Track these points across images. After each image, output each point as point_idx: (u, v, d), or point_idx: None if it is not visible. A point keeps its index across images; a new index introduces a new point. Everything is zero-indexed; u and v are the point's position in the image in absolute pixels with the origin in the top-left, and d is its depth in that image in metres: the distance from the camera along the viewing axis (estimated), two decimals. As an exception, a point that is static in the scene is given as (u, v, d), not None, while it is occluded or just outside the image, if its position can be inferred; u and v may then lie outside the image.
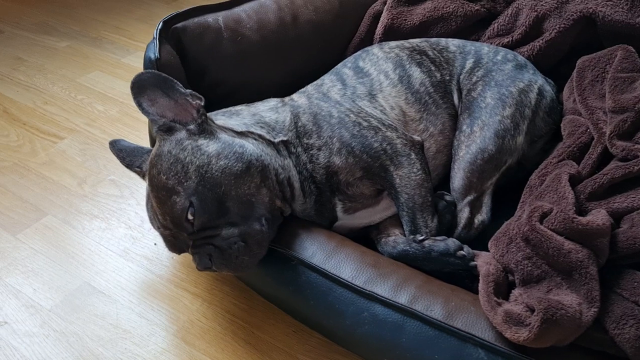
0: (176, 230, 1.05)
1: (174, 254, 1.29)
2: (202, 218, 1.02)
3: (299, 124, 1.18)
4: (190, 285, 1.27)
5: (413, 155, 1.18)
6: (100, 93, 1.90)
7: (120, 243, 1.37)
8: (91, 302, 1.23)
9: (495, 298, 0.99)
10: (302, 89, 1.34)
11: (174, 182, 1.02)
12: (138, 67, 2.03)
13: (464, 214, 1.21)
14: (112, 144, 1.26)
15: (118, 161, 1.35)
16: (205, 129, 1.08)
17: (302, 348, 1.15)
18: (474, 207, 1.21)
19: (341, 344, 1.15)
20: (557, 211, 0.99)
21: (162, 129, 1.08)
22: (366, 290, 1.04)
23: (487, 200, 1.23)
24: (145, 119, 1.35)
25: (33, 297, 1.23)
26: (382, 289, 1.04)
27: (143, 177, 1.22)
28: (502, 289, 1.03)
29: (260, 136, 1.15)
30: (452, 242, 1.10)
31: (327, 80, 1.34)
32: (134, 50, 2.09)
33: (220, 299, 1.25)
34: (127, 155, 1.24)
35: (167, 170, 1.03)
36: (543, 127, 1.29)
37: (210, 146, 1.06)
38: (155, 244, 1.37)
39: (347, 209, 1.20)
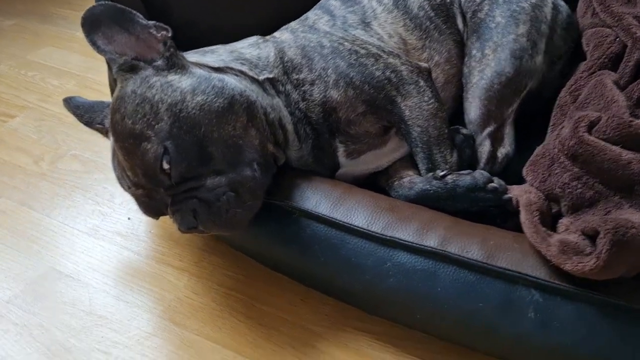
0: (150, 186, 0.86)
1: (151, 221, 1.11)
2: (180, 166, 0.84)
3: (285, 59, 1.01)
4: (174, 260, 1.09)
5: (422, 83, 1.01)
6: (54, 68, 1.70)
7: (88, 221, 1.18)
8: (58, 289, 1.03)
9: (544, 229, 0.83)
10: (284, 26, 1.16)
11: (142, 126, 0.84)
12: (95, 39, 1.83)
13: (484, 148, 1.05)
14: (67, 101, 1.07)
15: (79, 135, 1.16)
16: (176, 63, 0.90)
17: (314, 317, 0.98)
18: (496, 140, 1.06)
19: (361, 306, 0.97)
20: (607, 117, 0.83)
21: (124, 69, 0.90)
22: (386, 236, 0.88)
23: (508, 130, 1.08)
24: (107, 91, 1.17)
25: (-15, 289, 1.04)
26: (405, 234, 0.87)
27: (106, 134, 1.03)
28: (547, 220, 0.87)
29: (241, 72, 0.97)
30: (479, 175, 0.94)
31: (312, 14, 1.16)
32: (88, 24, 1.88)
33: (211, 272, 1.06)
34: (85, 111, 1.05)
35: (133, 113, 0.85)
36: (562, 46, 1.13)
37: (183, 81, 0.88)
38: (129, 219, 1.18)
39: (350, 153, 1.03)
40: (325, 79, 0.99)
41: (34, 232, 1.15)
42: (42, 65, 1.72)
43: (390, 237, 0.87)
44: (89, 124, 1.04)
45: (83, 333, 0.95)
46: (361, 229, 0.89)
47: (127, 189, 0.91)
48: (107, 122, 1.02)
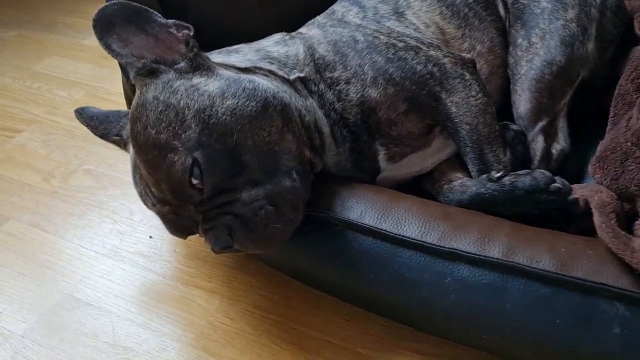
0: (178, 202, 0.77)
1: (175, 239, 1.02)
2: (212, 179, 0.75)
3: (316, 56, 0.92)
4: (202, 281, 0.99)
5: (467, 76, 0.92)
6: (61, 78, 1.61)
7: (106, 241, 1.08)
8: (77, 319, 0.94)
9: (623, 232, 0.74)
10: (310, 21, 1.07)
11: (167, 135, 0.75)
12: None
13: (538, 144, 0.95)
14: (79, 112, 0.98)
15: (91, 148, 1.08)
16: (200, 65, 0.81)
17: (362, 339, 0.88)
18: (549, 135, 0.97)
19: (416, 325, 0.88)
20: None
21: (142, 73, 0.81)
22: (444, 247, 0.78)
23: (562, 124, 0.99)
24: (121, 100, 1.08)
25: (-1, 322, 0.94)
26: (465, 244, 0.78)
27: (124, 146, 0.94)
28: (622, 222, 0.77)
29: (271, 72, 0.88)
30: (540, 175, 0.84)
31: (339, 7, 1.07)
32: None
33: (244, 293, 0.97)
34: (100, 122, 0.96)
35: (157, 122, 0.76)
36: (612, 30, 1.04)
37: (210, 84, 0.80)
38: (150, 237, 1.08)
39: (392, 156, 0.94)
40: (362, 76, 0.90)
41: (47, 256, 1.06)
42: (48, 76, 1.63)
43: (449, 248, 0.77)
44: (104, 136, 0.95)
45: (108, 368, 0.86)
46: (415, 241, 0.79)
47: (152, 206, 0.82)
48: (125, 133, 0.94)
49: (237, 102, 0.78)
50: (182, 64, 0.81)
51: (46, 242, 1.09)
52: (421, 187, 0.99)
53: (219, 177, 0.75)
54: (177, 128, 0.75)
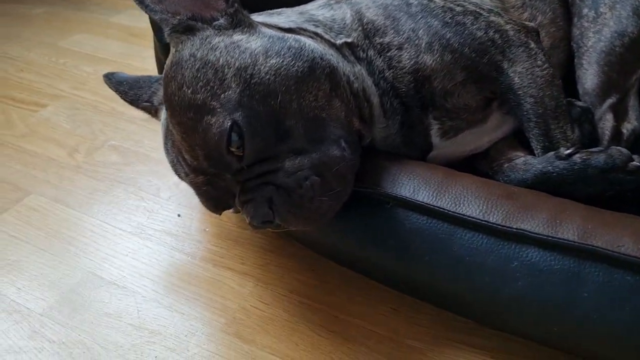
0: (214, 170, 0.70)
1: (205, 218, 0.95)
2: (253, 144, 0.67)
3: (365, 20, 0.84)
4: (234, 263, 0.92)
5: (532, 45, 0.84)
6: (88, 55, 1.55)
7: (132, 219, 1.01)
8: (100, 298, 0.87)
9: None
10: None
11: (204, 95, 0.68)
12: (130, 25, 1.69)
13: (607, 123, 0.87)
14: (108, 77, 0.92)
15: (117, 124, 1.02)
16: (241, 21, 0.74)
17: (410, 330, 0.80)
18: (618, 113, 0.88)
19: (471, 315, 0.80)
20: None
21: (178, 30, 0.74)
22: (511, 228, 0.69)
23: (632, 102, 0.91)
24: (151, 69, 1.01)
25: (17, 298, 0.87)
26: (534, 225, 0.70)
27: (155, 113, 0.87)
28: None
29: (316, 34, 0.80)
30: (617, 152, 0.76)
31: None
32: (123, 9, 1.74)
33: (280, 276, 0.89)
34: (129, 88, 0.89)
35: (193, 80, 0.69)
36: (687, 1, 0.94)
37: (252, 42, 0.72)
38: (179, 216, 1.01)
39: (445, 131, 0.86)
40: (416, 41, 0.82)
41: (70, 233, 0.99)
42: (74, 52, 1.57)
43: (516, 229, 0.69)
44: (134, 102, 0.88)
45: (132, 352, 0.79)
46: (476, 220, 0.71)
47: (184, 176, 0.75)
48: (156, 99, 0.87)
49: (282, 61, 0.71)
50: (221, 21, 0.74)
51: (69, 217, 1.02)
52: (475, 167, 0.90)
53: (260, 142, 0.68)
54: (215, 87, 0.68)
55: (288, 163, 0.69)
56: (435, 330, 0.80)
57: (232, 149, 0.67)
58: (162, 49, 0.96)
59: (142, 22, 1.71)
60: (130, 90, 0.89)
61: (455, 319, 0.80)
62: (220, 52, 0.70)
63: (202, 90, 0.68)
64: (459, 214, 0.72)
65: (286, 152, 0.70)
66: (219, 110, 0.67)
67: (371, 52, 0.83)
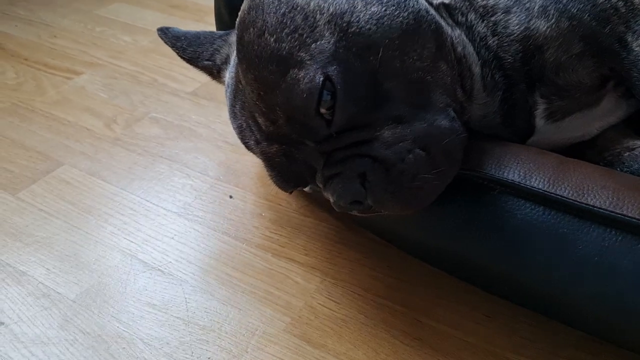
0: (297, 136, 0.58)
1: (261, 202, 0.83)
2: (347, 106, 0.55)
3: (465, -21, 0.71)
4: (297, 253, 0.79)
5: (664, 16, 0.70)
6: (126, 24, 1.43)
7: (178, 198, 0.89)
8: (141, 285, 0.75)
9: None
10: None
11: (291, 44, 0.56)
12: (170, -4, 1.57)
13: None
14: (163, 31, 0.80)
15: (160, 96, 0.92)
16: (332, -37, 0.61)
17: (509, 342, 0.67)
18: None
19: (588, 327, 0.66)
20: None
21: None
22: (656, 224, 0.56)
23: None
24: None
25: (45, 281, 0.75)
26: (682, 222, 0.56)
27: (217, 75, 0.76)
28: None
29: (411, -11, 0.67)
30: None
31: None
32: (163, -19, 1.63)
33: (351, 271, 0.76)
34: (188, 44, 0.77)
35: (278, 26, 0.57)
36: None
37: (348, -15, 0.59)
38: (230, 197, 0.89)
39: (552, 112, 0.72)
40: (527, 4, 0.69)
41: (107, 209, 0.87)
42: (111, 20, 1.45)
43: (664, 227, 0.55)
44: (193, 60, 0.76)
45: (181, 350, 0.66)
46: (610, 213, 0.58)
47: (254, 145, 0.63)
48: (219, 58, 0.75)
49: (385, 10, 0.58)
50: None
51: (105, 192, 0.90)
52: (580, 156, 0.77)
53: (354, 105, 0.55)
54: (304, 36, 0.56)
55: (387, 132, 0.57)
56: (538, 342, 0.67)
57: (322, 110, 0.55)
58: (224, 1, 0.84)
59: (181, -7, 1.60)
60: (188, 47, 0.77)
61: (566, 331, 0.67)
62: (311, -6, 0.58)
63: (289, 38, 0.56)
64: (586, 204, 0.59)
65: (384, 119, 0.57)
66: (308, 62, 0.55)
67: (472, 16, 0.70)
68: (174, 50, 0.77)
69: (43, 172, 0.94)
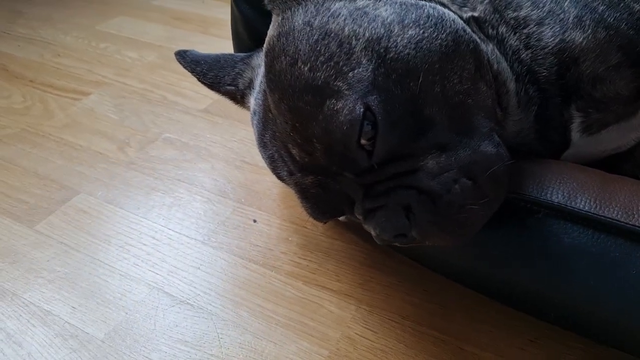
0: (335, 168, 0.55)
1: (287, 226, 0.81)
2: (388, 137, 0.53)
3: (494, -9, 0.69)
4: (329, 280, 0.77)
5: (703, 23, 0.68)
6: (130, 39, 1.41)
7: (200, 224, 0.87)
8: (171, 321, 0.72)
9: None
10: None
11: (327, 73, 0.53)
12: (175, 8, 1.54)
13: None
14: (182, 55, 0.77)
15: (171, 115, 0.90)
16: (360, -15, 0.59)
17: (558, 369, 0.65)
18: None
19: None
20: None
21: (282, -5, 0.59)
22: None
23: None
24: None
25: (72, 320, 0.73)
26: None
27: (241, 100, 0.73)
28: None
29: (442, 4, 0.65)
30: None
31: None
32: (165, -8, 1.60)
33: (386, 298, 0.74)
34: (209, 68, 0.75)
35: (312, 54, 0.54)
36: None
37: (381, 8, 0.58)
38: (255, 222, 0.86)
39: (589, 126, 0.70)
40: (561, 15, 0.67)
41: (127, 239, 0.85)
42: (114, 35, 1.42)
43: None
44: (215, 85, 0.74)
45: (219, 391, 0.64)
46: (665, 237, 0.56)
47: (287, 176, 0.61)
48: (242, 83, 0.72)
49: (423, 33, 0.56)
50: (339, -15, 0.59)
51: (125, 221, 0.87)
52: (616, 169, 0.75)
53: (396, 135, 0.53)
54: (341, 64, 0.53)
55: (431, 162, 0.54)
56: (590, 370, 0.65)
57: (363, 142, 0.53)
58: (242, 21, 0.82)
59: (184, 5, 1.57)
60: (209, 71, 0.74)
61: (610, 355, 0.65)
62: (345, 20, 0.55)
63: (324, 67, 0.53)
64: (637, 225, 0.57)
65: (427, 148, 0.55)
66: (346, 92, 0.52)
67: (503, 29, 0.68)
68: (193, 75, 0.75)
69: (59, 201, 0.91)
